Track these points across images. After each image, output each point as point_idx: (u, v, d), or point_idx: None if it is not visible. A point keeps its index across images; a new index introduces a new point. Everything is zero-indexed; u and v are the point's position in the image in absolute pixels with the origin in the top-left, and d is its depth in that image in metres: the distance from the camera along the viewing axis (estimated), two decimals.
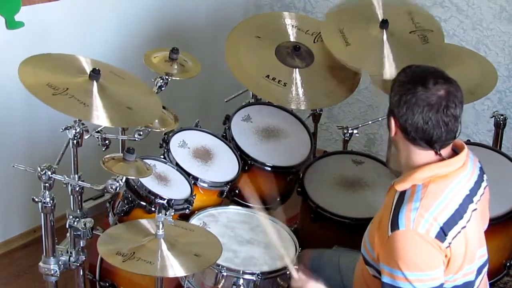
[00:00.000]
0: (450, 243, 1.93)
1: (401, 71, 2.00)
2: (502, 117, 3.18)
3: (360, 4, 3.12)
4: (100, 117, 2.23)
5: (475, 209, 2.01)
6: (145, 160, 2.44)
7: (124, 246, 2.10)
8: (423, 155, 1.98)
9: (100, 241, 2.15)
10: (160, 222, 2.10)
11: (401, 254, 1.91)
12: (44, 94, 2.20)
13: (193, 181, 2.62)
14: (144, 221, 2.27)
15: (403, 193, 1.99)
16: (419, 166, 1.98)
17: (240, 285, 2.28)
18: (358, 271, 2.21)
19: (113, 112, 2.27)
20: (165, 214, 2.15)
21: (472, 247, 2.01)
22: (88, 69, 2.35)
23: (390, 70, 2.83)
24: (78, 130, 2.38)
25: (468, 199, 2.00)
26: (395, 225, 1.92)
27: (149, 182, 2.51)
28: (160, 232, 2.10)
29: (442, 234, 1.91)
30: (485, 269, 2.14)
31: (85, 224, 2.38)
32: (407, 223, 1.91)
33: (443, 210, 1.93)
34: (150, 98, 2.53)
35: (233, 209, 2.67)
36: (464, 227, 1.96)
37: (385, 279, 1.96)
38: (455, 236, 1.94)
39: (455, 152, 2.03)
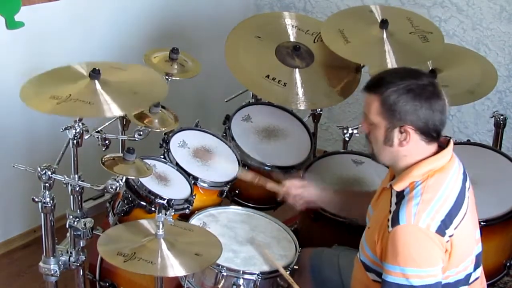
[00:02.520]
0: (451, 236, 1.94)
1: (387, 84, 1.97)
2: (502, 117, 3.18)
3: (359, 11, 3.17)
4: (111, 109, 2.23)
5: (469, 197, 2.05)
6: (145, 160, 2.44)
7: (125, 246, 2.10)
8: (424, 150, 2.00)
9: (100, 241, 2.15)
10: (160, 222, 2.10)
11: (400, 249, 1.91)
12: (49, 107, 2.20)
13: (193, 181, 2.62)
14: (144, 221, 2.27)
15: (401, 192, 2.01)
16: (416, 163, 2.00)
17: (240, 285, 2.28)
18: (355, 279, 2.20)
19: (120, 100, 2.27)
20: (165, 214, 2.15)
21: (470, 236, 2.04)
22: (85, 73, 2.35)
23: (392, 62, 2.85)
24: (78, 130, 2.38)
25: (463, 189, 2.03)
26: (396, 221, 1.93)
27: (149, 182, 2.51)
28: (160, 232, 2.10)
29: (443, 227, 1.93)
30: (481, 261, 2.16)
31: (85, 224, 2.38)
32: (408, 218, 1.92)
33: (444, 202, 1.95)
34: (153, 78, 2.52)
35: (233, 209, 2.67)
36: (464, 216, 1.99)
37: (383, 276, 1.97)
38: (456, 227, 1.95)
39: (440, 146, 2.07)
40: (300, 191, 2.46)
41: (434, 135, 1.99)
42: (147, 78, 2.50)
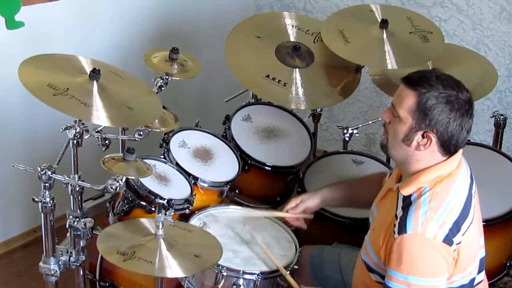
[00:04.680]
0: (458, 244, 1.93)
1: (430, 87, 1.93)
2: (502, 117, 3.19)
3: (360, 11, 3.17)
4: (100, 117, 2.23)
5: (475, 203, 2.04)
6: (145, 160, 2.44)
7: (124, 245, 2.10)
8: (437, 159, 1.98)
9: (100, 238, 2.15)
10: (160, 222, 2.10)
11: (406, 257, 1.91)
12: (45, 95, 2.20)
13: (193, 181, 2.62)
14: (144, 220, 2.27)
15: (407, 197, 1.99)
16: (424, 169, 1.98)
17: (240, 285, 2.28)
18: (357, 278, 2.20)
19: (113, 112, 2.27)
20: (165, 214, 2.15)
21: (476, 241, 2.04)
22: (88, 69, 2.35)
23: (392, 62, 2.84)
24: (78, 130, 2.38)
25: (470, 195, 2.02)
26: (402, 229, 1.92)
27: (149, 182, 2.51)
28: (160, 232, 2.10)
29: (450, 236, 1.92)
30: (484, 265, 2.16)
31: (85, 224, 2.38)
32: (415, 226, 1.91)
33: (452, 210, 1.94)
34: (150, 98, 2.53)
35: (233, 209, 2.67)
36: (471, 222, 1.98)
37: (386, 281, 1.96)
38: (464, 233, 1.95)
39: None
40: (302, 207, 2.46)
41: (452, 150, 1.97)
42: (144, 97, 2.51)
